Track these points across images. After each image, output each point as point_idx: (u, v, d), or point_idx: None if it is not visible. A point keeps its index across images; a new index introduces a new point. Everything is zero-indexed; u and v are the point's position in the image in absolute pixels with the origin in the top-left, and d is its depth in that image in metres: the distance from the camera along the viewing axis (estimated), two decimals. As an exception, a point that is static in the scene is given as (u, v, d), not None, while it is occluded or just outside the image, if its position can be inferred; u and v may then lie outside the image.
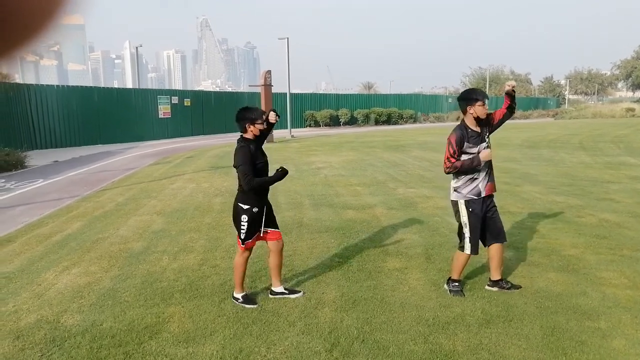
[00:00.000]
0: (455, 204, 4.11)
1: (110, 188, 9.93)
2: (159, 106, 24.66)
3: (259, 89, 22.22)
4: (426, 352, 3.15)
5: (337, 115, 34.89)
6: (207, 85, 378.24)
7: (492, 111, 4.18)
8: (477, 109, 3.97)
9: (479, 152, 3.98)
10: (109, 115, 22.01)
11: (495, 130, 4.26)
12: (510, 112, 4.15)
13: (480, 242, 4.11)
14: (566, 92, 74.55)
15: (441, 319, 3.62)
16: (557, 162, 13.19)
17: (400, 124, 37.91)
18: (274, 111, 4.11)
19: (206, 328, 3.54)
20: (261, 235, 4.02)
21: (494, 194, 4.18)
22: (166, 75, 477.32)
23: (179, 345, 3.28)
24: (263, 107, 20.74)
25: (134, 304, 3.98)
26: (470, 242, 4.03)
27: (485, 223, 4.08)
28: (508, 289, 4.12)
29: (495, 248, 4.13)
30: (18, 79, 24.43)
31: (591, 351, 3.13)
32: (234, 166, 3.86)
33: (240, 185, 3.90)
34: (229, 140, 22.56)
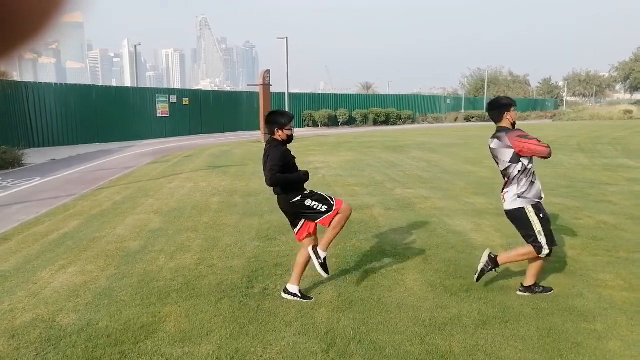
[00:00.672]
0: (520, 211, 3.94)
1: (107, 187, 9.92)
2: (157, 105, 24.65)
3: (257, 89, 22.21)
4: (422, 353, 3.15)
5: (336, 116, 34.90)
6: (205, 84, 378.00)
7: None
8: (513, 114, 4.07)
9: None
10: (107, 114, 21.99)
11: None
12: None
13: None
14: (564, 94, 74.72)
15: (438, 319, 3.62)
16: (555, 164, 13.20)
17: (399, 125, 37.93)
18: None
19: (202, 328, 3.53)
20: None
21: None
22: (165, 74, 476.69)
23: (175, 345, 3.28)
24: (261, 107, 20.74)
25: (130, 303, 3.97)
26: (547, 245, 3.91)
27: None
28: (541, 292, 4.09)
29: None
30: (16, 76, 24.37)
31: (587, 353, 3.13)
32: (265, 163, 3.88)
33: (282, 190, 3.94)
34: (228, 139, 22.56)
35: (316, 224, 4.02)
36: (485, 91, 56.42)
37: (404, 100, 42.03)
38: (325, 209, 3.86)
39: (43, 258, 5.22)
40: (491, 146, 4.10)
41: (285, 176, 3.86)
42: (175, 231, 6.23)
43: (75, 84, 23.25)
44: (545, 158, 3.93)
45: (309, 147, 18.56)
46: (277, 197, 4.02)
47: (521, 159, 3.92)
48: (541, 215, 3.95)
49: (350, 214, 3.99)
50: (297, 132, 29.13)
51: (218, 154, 16.09)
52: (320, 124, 33.85)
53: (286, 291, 4.06)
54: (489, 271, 4.14)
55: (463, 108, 47.92)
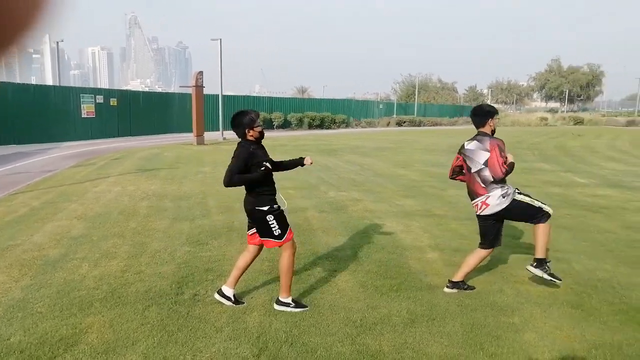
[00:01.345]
0: (513, 204, 4.14)
1: (24, 191, 9.26)
2: (82, 105, 23.36)
3: (190, 90, 21.67)
4: (353, 352, 3.20)
5: (271, 119, 34.76)
6: (135, 84, 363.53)
7: None
8: (495, 122, 4.24)
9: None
10: (25, 114, 20.53)
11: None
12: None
13: (497, 241, 4.28)
14: (488, 101, 78.98)
15: (369, 320, 3.69)
16: (479, 167, 13.89)
17: (333, 129, 38.41)
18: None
19: (128, 338, 3.37)
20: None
21: None
22: (91, 73, 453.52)
23: (97, 357, 3.11)
24: (194, 109, 20.26)
25: (48, 315, 3.72)
26: (544, 204, 4.19)
27: (498, 226, 4.25)
28: (465, 289, 4.29)
29: (490, 251, 4.33)
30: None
31: (505, 345, 3.32)
32: None
33: (249, 190, 3.82)
34: (159, 142, 21.81)
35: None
36: (416, 97, 58.46)
37: (338, 105, 42.62)
38: (277, 234, 3.81)
39: (-52, 269, 4.77)
40: (467, 147, 4.25)
41: (242, 176, 3.75)
42: (100, 237, 5.93)
43: (-11, 81, 21.54)
44: (495, 177, 4.09)
45: (244, 150, 18.30)
46: (246, 195, 3.88)
47: None
48: (525, 192, 4.21)
49: (294, 252, 3.96)
50: (232, 134, 28.71)
51: (148, 156, 15.51)
52: (255, 127, 33.55)
53: (220, 293, 3.97)
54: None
55: (395, 113, 49.34)
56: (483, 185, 4.14)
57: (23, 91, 21.56)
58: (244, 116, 3.86)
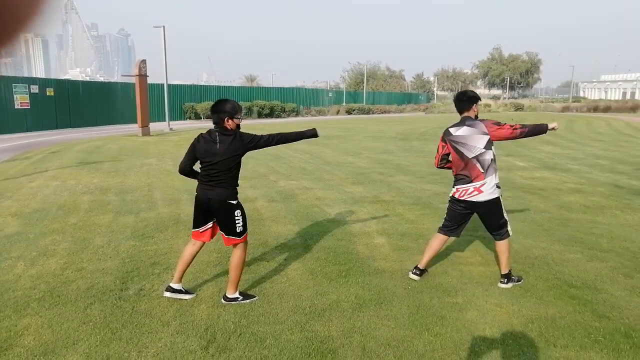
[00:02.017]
0: (497, 200, 4.08)
1: (-48, 188, 8.66)
2: (15, 95, 22.03)
3: (133, 79, 20.89)
4: (302, 340, 3.22)
5: (219, 108, 34.12)
6: (75, 74, 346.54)
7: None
8: (478, 107, 4.21)
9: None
10: (-49, 106, 19.16)
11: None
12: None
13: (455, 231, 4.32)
14: (435, 88, 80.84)
15: (317, 306, 3.73)
16: (426, 153, 14.26)
17: (283, 117, 38.21)
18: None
19: (68, 337, 3.25)
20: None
21: None
22: (25, 61, 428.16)
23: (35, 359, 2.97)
24: (138, 99, 19.57)
25: (-20, 318, 3.51)
26: (509, 224, 4.19)
27: (467, 218, 4.27)
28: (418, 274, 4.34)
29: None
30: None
31: (449, 324, 3.44)
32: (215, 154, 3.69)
33: (223, 182, 3.68)
34: (102, 133, 20.94)
35: (213, 235, 3.90)
36: (365, 85, 59.01)
37: (287, 93, 42.38)
38: (239, 231, 3.75)
39: None
40: (456, 134, 4.10)
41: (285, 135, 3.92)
42: (37, 234, 5.64)
43: None
44: (512, 137, 4.05)
45: (190, 140, 17.87)
46: (211, 186, 3.71)
47: (492, 146, 4.06)
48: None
49: (243, 264, 3.93)
50: (179, 124, 27.89)
51: (89, 148, 14.86)
52: (203, 117, 32.86)
53: (170, 289, 3.88)
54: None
55: (344, 101, 49.66)
56: (482, 171, 4.02)
57: (-52, 81, 20.08)
58: (228, 103, 3.74)
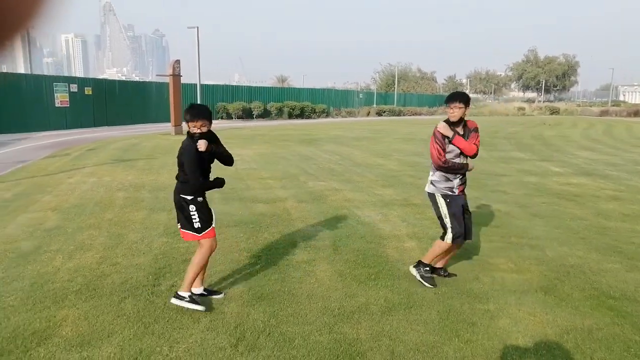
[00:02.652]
0: (432, 197, 4.27)
1: (-4, 182, 9.02)
2: (55, 94, 22.80)
3: (167, 79, 21.32)
4: (331, 341, 3.22)
5: (250, 108, 34.50)
6: (112, 73, 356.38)
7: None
8: (449, 110, 4.15)
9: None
10: (-4, 103, 19.96)
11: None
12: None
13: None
14: (467, 91, 79.66)
15: (346, 308, 3.72)
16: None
17: (313, 118, 38.32)
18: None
19: (103, 330, 3.33)
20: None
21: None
22: (65, 61, 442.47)
23: (72, 350, 3.06)
24: (171, 98, 19.95)
25: (20, 308, 3.64)
26: (452, 231, 4.13)
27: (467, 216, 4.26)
28: (445, 276, 4.36)
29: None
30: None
31: (480, 331, 3.38)
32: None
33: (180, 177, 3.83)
34: (137, 131, 21.45)
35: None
36: (396, 86, 58.64)
37: (318, 94, 42.48)
38: (197, 227, 3.73)
39: None
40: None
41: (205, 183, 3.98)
42: (75, 229, 5.82)
43: (-43, 69, 20.85)
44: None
45: (222, 139, 18.16)
46: (176, 184, 3.85)
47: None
48: (447, 200, 4.23)
49: (212, 252, 3.84)
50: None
51: (125, 146, 15.25)
52: (234, 117, 33.28)
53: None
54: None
55: (375, 102, 49.43)
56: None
57: (-7, 79, 20.93)
58: (187, 110, 3.84)
